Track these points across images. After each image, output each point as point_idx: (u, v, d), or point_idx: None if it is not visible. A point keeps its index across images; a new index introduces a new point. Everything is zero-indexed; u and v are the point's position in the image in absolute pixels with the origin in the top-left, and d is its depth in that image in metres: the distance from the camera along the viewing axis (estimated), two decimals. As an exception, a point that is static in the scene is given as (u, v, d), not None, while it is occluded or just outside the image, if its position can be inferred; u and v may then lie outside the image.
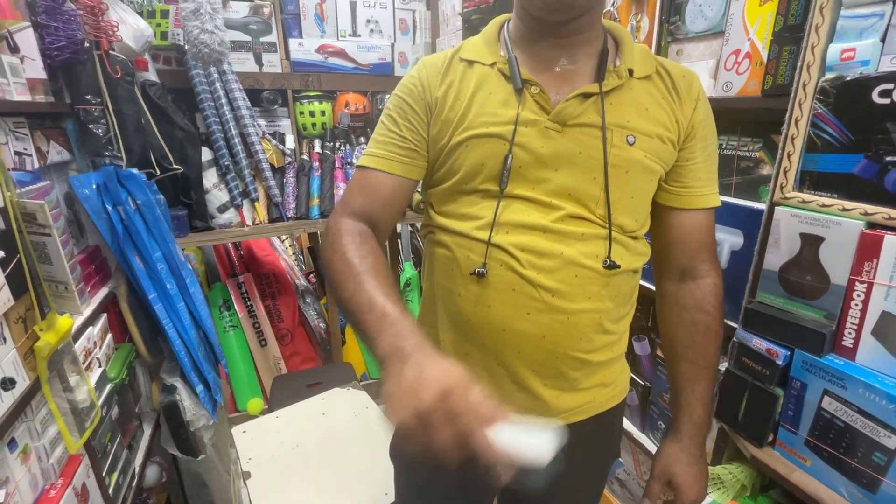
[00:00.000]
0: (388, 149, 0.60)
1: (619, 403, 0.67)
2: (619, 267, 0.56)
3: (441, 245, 0.61)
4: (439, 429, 0.34)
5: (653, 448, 1.12)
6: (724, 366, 0.81)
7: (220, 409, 1.39)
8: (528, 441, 0.35)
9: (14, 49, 0.81)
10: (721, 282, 0.65)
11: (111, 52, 1.02)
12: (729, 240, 0.86)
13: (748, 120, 0.83)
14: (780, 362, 0.71)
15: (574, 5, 0.51)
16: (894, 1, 0.56)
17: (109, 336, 1.02)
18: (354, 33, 2.02)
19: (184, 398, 1.15)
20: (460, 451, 0.35)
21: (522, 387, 0.60)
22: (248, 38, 1.85)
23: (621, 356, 0.65)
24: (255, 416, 1.47)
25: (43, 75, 0.88)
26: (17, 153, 0.80)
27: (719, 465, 0.89)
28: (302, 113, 1.95)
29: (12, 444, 0.67)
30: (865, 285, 0.62)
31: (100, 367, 0.95)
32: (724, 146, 0.87)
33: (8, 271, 0.65)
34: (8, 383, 0.64)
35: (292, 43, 1.90)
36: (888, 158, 0.58)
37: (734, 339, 0.78)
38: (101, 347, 0.96)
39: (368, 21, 2.02)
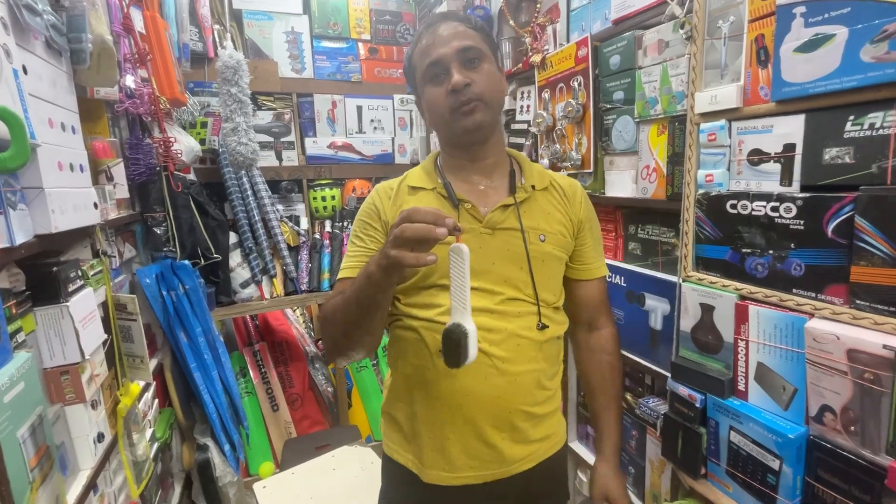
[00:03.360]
0: (360, 261, 0.76)
1: (558, 451, 0.86)
2: (548, 327, 0.77)
3: (410, 330, 0.76)
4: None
5: (628, 493, 1.25)
6: (663, 411, 1.00)
7: (240, 467, 1.54)
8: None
9: (110, 178, 1.09)
10: (616, 331, 0.92)
11: (175, 172, 1.31)
12: (660, 307, 1.08)
13: (664, 214, 1.08)
14: (698, 405, 0.90)
15: (483, 123, 0.74)
16: (730, 146, 0.83)
17: (156, 401, 1.22)
18: (360, 131, 2.38)
19: (214, 456, 1.31)
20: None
21: (485, 441, 0.75)
22: (271, 140, 2.19)
23: (557, 410, 0.86)
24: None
25: (126, 195, 1.15)
26: (109, 256, 1.05)
27: (675, 501, 1.04)
28: (315, 198, 2.24)
29: (94, 488, 0.86)
30: (744, 342, 0.83)
31: (150, 427, 1.13)
32: (649, 233, 1.12)
33: (105, 349, 0.87)
34: (101, 437, 0.83)
35: (308, 141, 2.24)
36: (744, 250, 0.82)
37: (667, 387, 0.98)
38: (152, 410, 1.15)
39: (372, 120, 2.38)
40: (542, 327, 0.77)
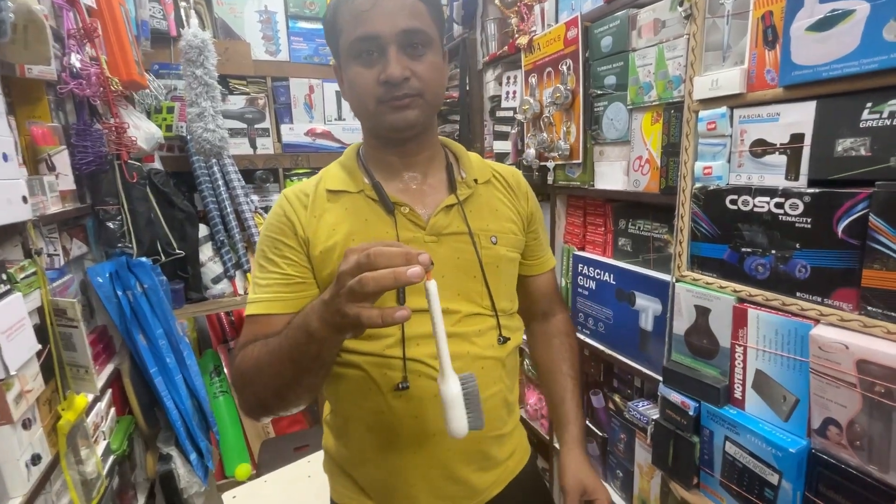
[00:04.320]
0: (274, 290, 0.61)
1: (527, 462, 0.78)
2: (509, 339, 0.68)
3: (351, 366, 0.63)
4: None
5: (615, 496, 1.21)
6: (654, 417, 0.95)
7: (210, 475, 1.46)
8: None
9: (51, 168, 0.99)
10: (568, 316, 0.88)
11: (129, 161, 1.20)
12: (651, 307, 1.02)
13: (656, 209, 1.02)
14: (691, 413, 0.85)
15: (416, 123, 0.62)
16: (731, 136, 0.76)
17: (112, 410, 1.13)
18: (340, 117, 2.27)
19: (178, 466, 1.23)
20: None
21: (456, 479, 0.66)
22: (244, 126, 2.07)
23: (518, 421, 0.79)
24: (243, 482, 1.53)
25: (73, 187, 1.05)
26: (49, 255, 0.95)
27: (665, 509, 1.00)
28: (292, 189, 2.13)
29: (32, 514, 0.77)
30: (742, 348, 0.78)
31: (104, 439, 1.04)
32: (640, 228, 1.06)
33: (41, 360, 0.78)
34: (36, 459, 0.74)
35: (284, 128, 2.13)
36: (744, 249, 0.76)
37: (659, 392, 0.92)
38: (106, 421, 1.06)
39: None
40: (504, 341, 0.68)
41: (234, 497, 1.26)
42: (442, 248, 0.65)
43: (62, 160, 1.01)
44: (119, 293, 1.13)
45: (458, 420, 0.49)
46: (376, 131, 0.65)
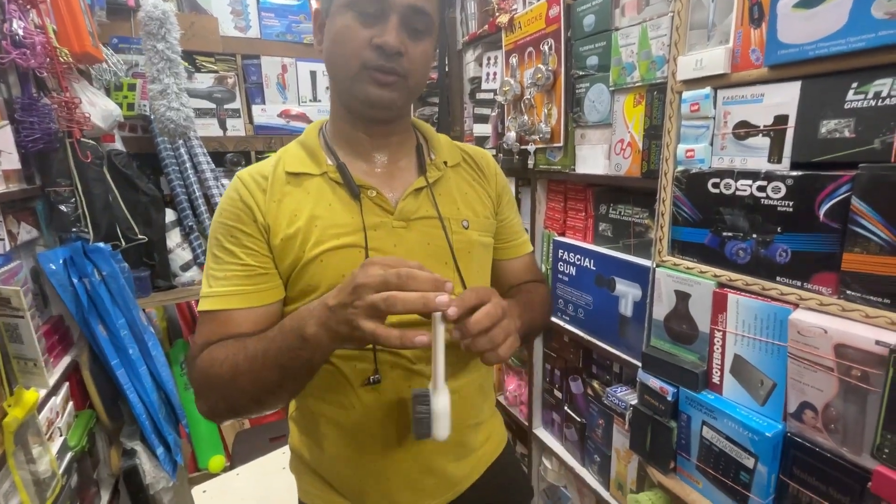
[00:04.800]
0: (234, 283, 0.56)
1: (504, 449, 0.75)
2: None
3: None
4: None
5: (592, 480, 1.22)
6: (633, 402, 0.95)
7: (180, 469, 1.41)
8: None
9: (-8, 145, 0.90)
10: (549, 288, 0.78)
11: (82, 139, 1.11)
12: (631, 292, 1.01)
13: (637, 193, 1.00)
14: (669, 398, 0.84)
15: (393, 105, 0.58)
16: (714, 118, 0.75)
17: (70, 404, 1.06)
18: (315, 99, 2.18)
19: (144, 461, 1.18)
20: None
21: (432, 471, 0.64)
22: (213, 106, 1.97)
23: (493, 407, 0.76)
24: (217, 475, 1.49)
25: (18, 166, 0.96)
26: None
27: (642, 493, 1.00)
28: (264, 173, 2.05)
29: (-24, 518, 0.72)
30: (721, 333, 0.77)
31: (61, 436, 0.98)
32: (621, 213, 1.04)
33: (-19, 354, 0.71)
34: (-23, 460, 0.69)
35: (255, 109, 2.03)
36: (725, 234, 0.75)
37: (637, 378, 0.92)
38: (62, 417, 1.00)
39: (327, 88, 2.18)
40: None
41: (204, 491, 1.22)
42: (411, 234, 0.61)
43: (5, 137, 0.93)
44: (75, 281, 1.06)
45: (444, 429, 0.50)
46: (349, 101, 0.60)
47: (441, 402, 0.49)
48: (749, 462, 0.73)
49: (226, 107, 2.00)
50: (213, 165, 1.86)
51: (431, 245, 0.62)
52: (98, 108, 1.30)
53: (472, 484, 0.70)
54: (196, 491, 1.22)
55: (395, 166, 0.64)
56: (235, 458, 1.52)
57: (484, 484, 0.71)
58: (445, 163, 0.67)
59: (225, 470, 1.66)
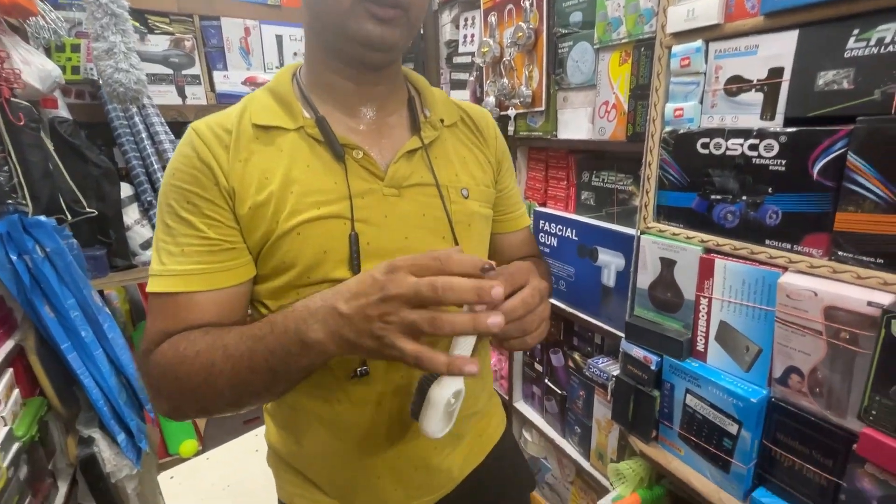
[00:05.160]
0: (194, 261, 0.47)
1: (503, 435, 0.70)
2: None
3: None
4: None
5: (573, 451, 1.22)
6: (615, 373, 0.93)
7: (148, 456, 1.34)
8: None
9: None
10: (545, 259, 0.73)
11: (13, 99, 1.00)
12: (614, 262, 0.98)
13: (621, 159, 0.97)
14: (653, 367, 0.83)
15: (395, 45, 0.49)
16: (705, 74, 0.70)
17: (16, 392, 0.98)
18: (281, 65, 2.05)
19: (103, 449, 1.11)
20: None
21: (427, 467, 0.59)
22: (170, 72, 1.83)
23: (491, 391, 0.71)
24: (189, 459, 1.43)
25: (-66, 127, 0.85)
26: None
27: (622, 462, 1.00)
28: (229, 145, 1.94)
29: None
30: (707, 300, 0.75)
31: (5, 426, 0.90)
32: (604, 180, 1.01)
33: None
34: None
35: (217, 75, 1.90)
36: (713, 197, 0.72)
37: (621, 348, 0.90)
38: (6, 405, 0.91)
39: (296, 54, 2.05)
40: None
41: (171, 477, 1.16)
42: (404, 203, 0.53)
43: (-84, 93, 0.81)
44: (13, 258, 0.96)
45: (433, 424, 0.43)
46: (339, 43, 0.49)
47: (438, 393, 0.42)
48: (733, 428, 0.72)
49: (184, 72, 1.85)
50: (172, 136, 1.74)
51: (427, 216, 0.54)
52: (34, 67, 1.17)
53: (470, 473, 0.65)
54: (163, 477, 1.16)
55: (383, 123, 0.55)
56: (208, 442, 1.46)
57: (481, 473, 0.66)
58: (442, 121, 0.58)
59: (198, 454, 1.60)
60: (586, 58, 0.95)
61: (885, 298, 0.54)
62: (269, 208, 0.48)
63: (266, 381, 0.43)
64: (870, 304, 0.54)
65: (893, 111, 0.52)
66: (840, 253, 0.58)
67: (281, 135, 0.50)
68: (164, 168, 1.70)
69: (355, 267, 0.49)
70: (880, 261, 0.55)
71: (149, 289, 0.48)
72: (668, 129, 0.77)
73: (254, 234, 0.49)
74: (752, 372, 0.71)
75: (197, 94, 1.88)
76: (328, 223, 0.49)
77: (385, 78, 0.54)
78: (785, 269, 0.64)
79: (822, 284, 0.59)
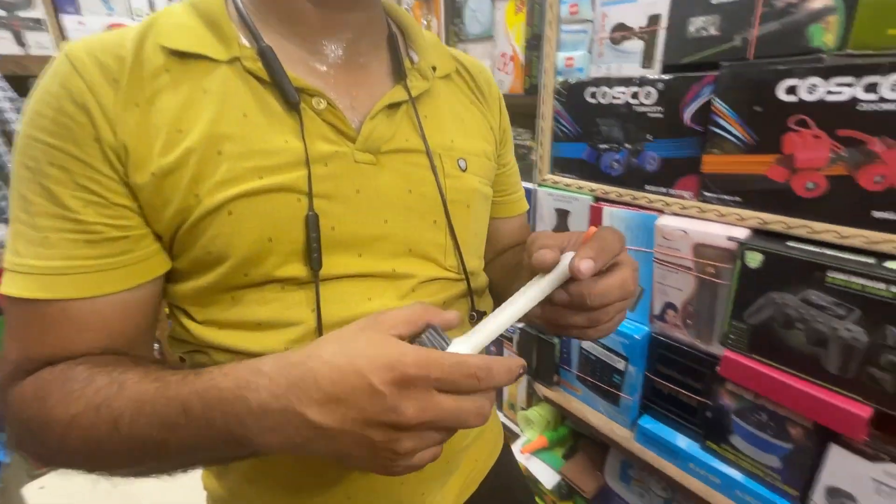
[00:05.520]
0: (65, 254, 0.32)
1: (500, 453, 0.57)
2: (485, 313, 0.46)
3: None
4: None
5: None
6: (519, 325, 0.96)
7: (8, 468, 1.15)
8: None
9: None
10: None
11: None
12: (516, 217, 1.00)
13: (520, 114, 0.96)
14: (552, 316, 0.86)
15: None
16: (593, 22, 0.71)
17: None
18: (153, 9, 1.77)
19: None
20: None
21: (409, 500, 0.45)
22: (3, 13, 1.49)
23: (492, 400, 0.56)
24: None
25: None
26: None
27: (530, 408, 1.05)
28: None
29: None
30: (598, 247, 0.79)
31: None
32: (506, 136, 1.01)
33: None
34: None
35: (68, 21, 1.59)
36: (601, 146, 0.74)
37: (523, 301, 0.92)
38: None
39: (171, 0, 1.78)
40: (478, 317, 0.44)
41: (41, 487, 1.01)
42: (383, 175, 0.38)
43: None
44: None
45: None
46: None
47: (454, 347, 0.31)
48: (621, 365, 0.77)
49: (21, 15, 1.53)
50: (12, 93, 1.44)
51: (413, 193, 0.39)
52: None
53: (467, 500, 0.51)
54: (31, 488, 1.00)
55: (355, 64, 0.39)
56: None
57: (475, 499, 0.53)
58: (434, 69, 0.43)
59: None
60: (483, 7, 0.92)
61: (741, 233, 0.59)
62: (183, 175, 0.32)
63: (180, 466, 0.32)
64: (729, 238, 0.60)
65: (750, 55, 0.55)
66: (706, 193, 0.63)
67: (205, 68, 0.34)
68: (3, 132, 1.41)
69: (314, 262, 0.35)
70: (738, 199, 0.60)
71: (3, 290, 0.32)
72: (560, 79, 0.77)
73: (161, 213, 0.33)
74: (636, 312, 0.76)
75: (42, 43, 1.56)
76: (274, 198, 0.34)
77: (362, 4, 0.38)
78: (661, 211, 0.68)
79: (691, 224, 0.64)
